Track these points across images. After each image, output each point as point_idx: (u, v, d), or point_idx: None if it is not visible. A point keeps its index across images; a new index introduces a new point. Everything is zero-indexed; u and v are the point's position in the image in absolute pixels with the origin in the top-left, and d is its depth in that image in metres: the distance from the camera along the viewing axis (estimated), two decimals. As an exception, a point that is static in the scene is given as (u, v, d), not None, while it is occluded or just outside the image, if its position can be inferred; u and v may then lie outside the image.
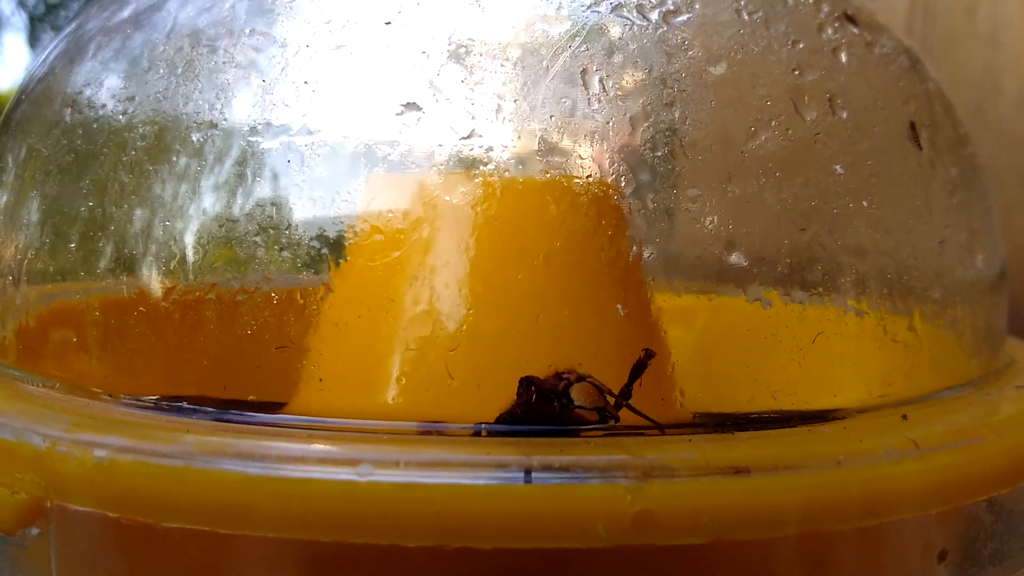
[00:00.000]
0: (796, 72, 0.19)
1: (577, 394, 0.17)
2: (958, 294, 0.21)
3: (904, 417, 0.18)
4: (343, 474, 0.15)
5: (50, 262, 0.21)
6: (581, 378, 0.17)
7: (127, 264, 0.19)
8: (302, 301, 0.17)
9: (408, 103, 0.18)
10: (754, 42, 0.19)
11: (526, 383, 0.17)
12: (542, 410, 0.17)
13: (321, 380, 0.18)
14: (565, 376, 0.17)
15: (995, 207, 0.24)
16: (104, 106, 0.21)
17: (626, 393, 0.17)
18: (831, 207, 0.19)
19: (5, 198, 0.22)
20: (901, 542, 0.17)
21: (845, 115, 0.19)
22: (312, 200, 0.18)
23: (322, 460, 0.15)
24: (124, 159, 0.20)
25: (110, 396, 0.19)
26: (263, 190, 0.18)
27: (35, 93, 0.23)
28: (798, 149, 0.18)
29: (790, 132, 0.18)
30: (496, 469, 0.15)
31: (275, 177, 0.19)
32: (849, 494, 0.16)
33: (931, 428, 0.18)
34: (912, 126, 0.21)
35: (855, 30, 0.21)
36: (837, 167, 0.19)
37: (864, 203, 0.19)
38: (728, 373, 0.19)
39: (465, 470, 0.15)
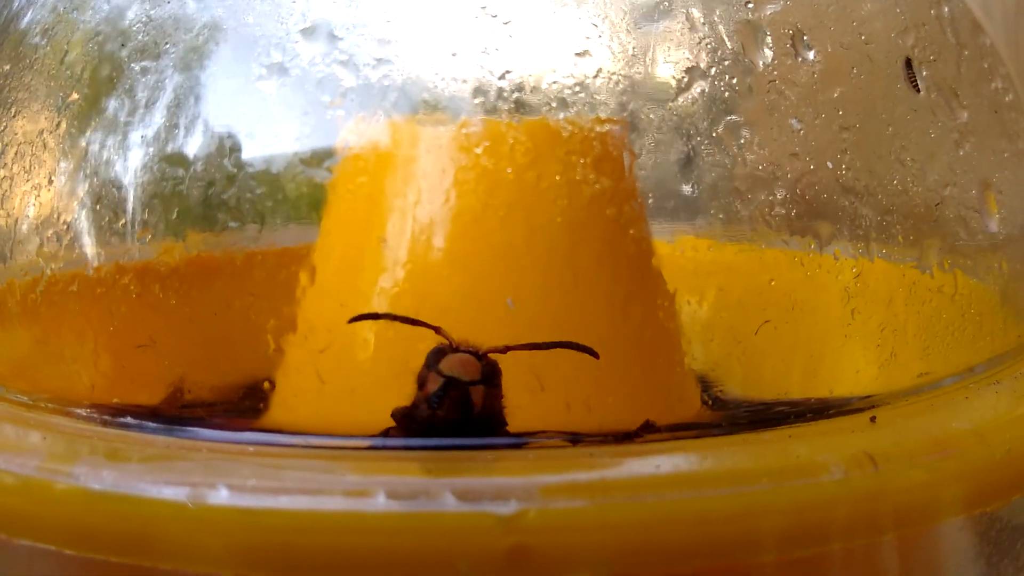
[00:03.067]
0: (749, 4, 0.16)
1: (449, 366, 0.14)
2: (960, 263, 0.17)
3: (873, 420, 0.16)
4: (180, 496, 0.13)
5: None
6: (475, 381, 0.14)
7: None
8: (161, 295, 0.15)
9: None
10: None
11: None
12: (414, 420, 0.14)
13: (272, 386, 0.16)
14: (435, 359, 0.14)
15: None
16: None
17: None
18: (788, 167, 0.16)
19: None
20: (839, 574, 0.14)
21: (812, 55, 0.16)
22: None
23: (164, 481, 0.14)
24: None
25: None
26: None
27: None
28: (743, 98, 0.15)
29: (733, 80, 0.15)
30: (349, 495, 0.13)
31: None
32: (774, 523, 0.13)
33: (902, 435, 0.15)
34: (908, 63, 0.17)
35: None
36: (794, 121, 0.15)
37: (830, 161, 0.16)
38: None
39: (314, 495, 0.13)
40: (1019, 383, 0.18)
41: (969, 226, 0.17)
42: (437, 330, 0.14)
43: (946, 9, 0.19)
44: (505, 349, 0.14)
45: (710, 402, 0.15)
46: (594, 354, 0.14)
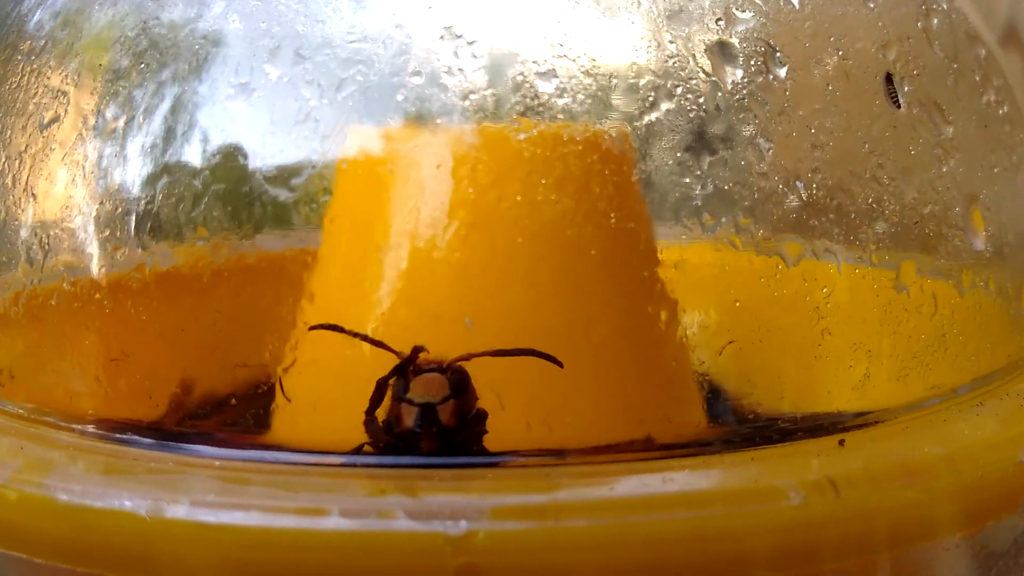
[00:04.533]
0: (720, 22, 0.16)
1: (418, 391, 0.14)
2: (941, 282, 0.17)
3: (841, 443, 0.15)
4: (140, 509, 0.14)
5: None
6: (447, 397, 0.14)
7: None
8: (133, 310, 0.16)
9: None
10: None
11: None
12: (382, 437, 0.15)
13: (235, 402, 0.17)
14: (404, 391, 0.14)
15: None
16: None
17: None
18: (756, 186, 0.15)
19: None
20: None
21: (783, 72, 0.16)
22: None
23: (126, 494, 0.14)
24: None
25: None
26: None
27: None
28: (710, 118, 0.15)
29: (700, 99, 0.15)
30: (303, 513, 0.13)
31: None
32: (728, 548, 0.13)
33: (869, 459, 0.15)
34: (888, 79, 0.17)
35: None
36: (761, 140, 0.15)
37: (799, 181, 0.15)
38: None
39: (269, 513, 0.13)
40: (1004, 405, 0.17)
41: (952, 245, 0.17)
42: (398, 354, 0.14)
43: (935, 21, 0.18)
44: (468, 357, 0.14)
45: (673, 422, 0.15)
46: (558, 363, 0.14)
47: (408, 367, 0.14)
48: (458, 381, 0.14)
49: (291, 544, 0.13)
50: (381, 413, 0.15)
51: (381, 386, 0.14)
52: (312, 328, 0.15)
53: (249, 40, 0.15)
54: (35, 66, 0.18)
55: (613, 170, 0.15)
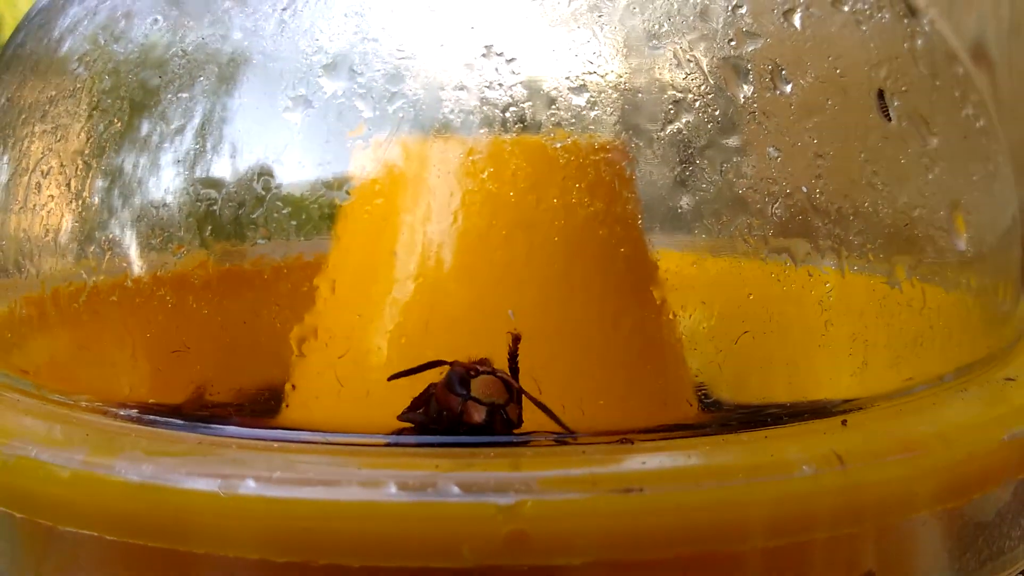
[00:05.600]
0: (733, 43, 0.17)
1: (482, 391, 0.16)
2: (928, 279, 0.19)
3: (844, 423, 0.17)
4: (212, 487, 0.15)
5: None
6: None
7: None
8: (195, 305, 0.17)
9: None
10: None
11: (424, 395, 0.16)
12: (439, 423, 0.16)
13: (294, 388, 0.18)
14: (462, 386, 0.16)
15: (1005, 173, 0.22)
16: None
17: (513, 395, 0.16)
18: (766, 191, 0.17)
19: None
20: (814, 563, 0.15)
21: (788, 88, 0.17)
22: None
23: (197, 473, 0.15)
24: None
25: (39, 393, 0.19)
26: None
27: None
28: (725, 128, 0.17)
29: (716, 112, 0.17)
30: (364, 486, 0.15)
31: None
32: (749, 514, 0.15)
33: (870, 437, 0.17)
34: (880, 95, 0.18)
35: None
36: (771, 149, 0.17)
37: (805, 186, 0.17)
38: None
39: (332, 486, 0.15)
40: (986, 390, 0.19)
41: (938, 245, 0.19)
42: (452, 364, 0.16)
43: (920, 42, 0.20)
44: (495, 372, 0.16)
45: (692, 405, 0.17)
46: (571, 432, 0.16)
47: (470, 372, 0.16)
48: (508, 384, 0.16)
49: (353, 514, 0.15)
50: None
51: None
52: (391, 378, 0.16)
53: (305, 56, 0.17)
54: (90, 74, 0.19)
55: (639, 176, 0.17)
